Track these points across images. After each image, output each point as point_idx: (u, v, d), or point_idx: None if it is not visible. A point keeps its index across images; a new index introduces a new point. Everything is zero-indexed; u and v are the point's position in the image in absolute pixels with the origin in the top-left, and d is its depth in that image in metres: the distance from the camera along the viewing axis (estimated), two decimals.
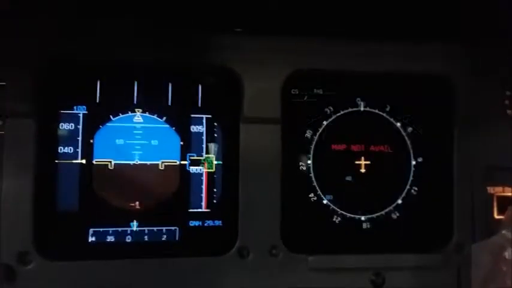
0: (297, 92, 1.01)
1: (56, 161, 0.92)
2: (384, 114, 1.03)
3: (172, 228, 0.96)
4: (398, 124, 1.04)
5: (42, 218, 0.89)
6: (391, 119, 1.03)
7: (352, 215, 1.02)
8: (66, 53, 0.91)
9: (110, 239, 0.94)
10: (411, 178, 1.04)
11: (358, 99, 1.03)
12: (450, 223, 1.01)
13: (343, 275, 0.96)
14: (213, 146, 0.97)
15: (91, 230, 0.93)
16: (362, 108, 1.03)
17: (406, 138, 1.04)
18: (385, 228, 1.02)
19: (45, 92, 0.90)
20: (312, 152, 1.01)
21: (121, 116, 0.95)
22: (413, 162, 1.04)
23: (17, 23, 0.88)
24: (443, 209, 1.02)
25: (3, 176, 0.86)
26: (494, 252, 0.79)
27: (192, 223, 0.97)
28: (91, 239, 0.93)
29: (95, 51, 0.92)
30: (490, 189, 1.02)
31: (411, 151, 1.04)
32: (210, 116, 0.98)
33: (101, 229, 0.93)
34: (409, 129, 1.04)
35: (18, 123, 0.87)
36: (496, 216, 1.02)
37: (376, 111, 1.03)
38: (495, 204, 1.02)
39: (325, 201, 1.01)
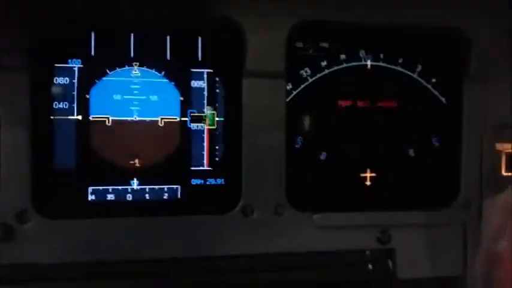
0: (302, 45, 0.97)
1: (52, 117, 0.88)
2: (397, 67, 0.99)
3: (174, 186, 0.93)
4: (415, 75, 1.00)
5: (40, 176, 0.86)
6: (406, 71, 0.99)
7: (358, 172, 0.99)
8: (59, 4, 0.86)
9: (110, 197, 0.91)
10: (419, 134, 1.01)
11: (366, 53, 0.99)
12: (457, 180, 0.98)
13: (349, 233, 0.95)
14: None
15: (90, 189, 0.90)
16: (370, 62, 0.99)
17: (420, 90, 1.00)
18: (391, 185, 1.00)
19: (37, 45, 0.85)
20: (317, 108, 0.98)
21: (118, 70, 0.91)
22: (422, 117, 1.01)
23: None
24: (451, 165, 1.00)
25: None
26: (506, 207, 0.77)
27: (194, 181, 0.94)
28: (91, 197, 0.90)
29: (88, 1, 0.87)
30: (499, 146, 1.00)
31: (420, 105, 1.00)
32: (211, 70, 0.94)
33: (101, 187, 0.91)
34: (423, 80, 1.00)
35: (10, 78, 0.82)
36: (504, 173, 1.00)
37: (386, 64, 0.99)
38: (503, 161, 1.00)
39: (330, 158, 0.98)
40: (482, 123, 0.99)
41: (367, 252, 0.97)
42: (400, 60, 0.99)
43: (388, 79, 0.99)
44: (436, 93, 1.01)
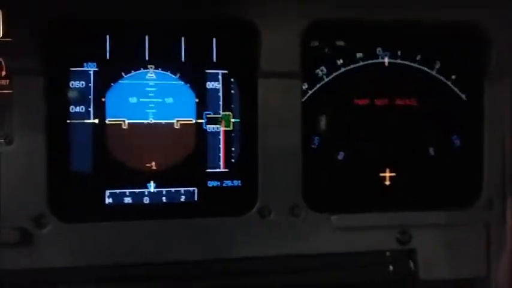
0: (317, 44, 0.96)
1: (68, 121, 0.88)
2: (415, 64, 0.97)
3: (191, 189, 0.93)
4: (433, 72, 0.98)
5: (57, 180, 0.86)
6: (425, 68, 0.97)
7: (377, 172, 0.98)
8: (74, 8, 0.86)
9: (127, 200, 0.91)
10: (439, 132, 0.99)
11: (383, 50, 0.97)
12: (479, 179, 0.96)
13: (368, 234, 0.93)
14: None
15: (107, 192, 0.90)
16: (387, 60, 0.97)
17: (439, 87, 0.98)
18: (411, 185, 0.98)
19: (53, 49, 0.86)
20: (334, 107, 0.96)
21: (133, 73, 0.90)
22: (442, 115, 0.98)
23: None
24: (472, 164, 0.97)
25: (14, 137, 0.83)
26: None
27: (211, 183, 0.94)
28: (108, 200, 0.90)
29: (103, 5, 0.87)
30: None
31: (440, 103, 0.98)
32: (226, 71, 0.93)
33: (118, 191, 0.91)
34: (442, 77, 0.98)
35: (26, 81, 0.83)
36: None
37: (404, 61, 0.97)
38: None
39: (348, 158, 0.97)
40: (504, 121, 0.96)
41: (388, 253, 0.95)
42: (418, 57, 0.97)
43: (406, 76, 0.98)
44: (456, 90, 0.99)
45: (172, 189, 0.92)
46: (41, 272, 0.84)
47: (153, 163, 0.92)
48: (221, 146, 0.94)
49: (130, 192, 0.91)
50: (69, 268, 0.85)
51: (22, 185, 0.83)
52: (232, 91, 0.94)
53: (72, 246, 0.85)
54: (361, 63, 0.96)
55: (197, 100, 0.93)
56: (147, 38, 0.91)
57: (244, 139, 0.94)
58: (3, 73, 0.84)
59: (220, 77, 0.93)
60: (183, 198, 0.93)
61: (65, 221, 0.85)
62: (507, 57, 0.95)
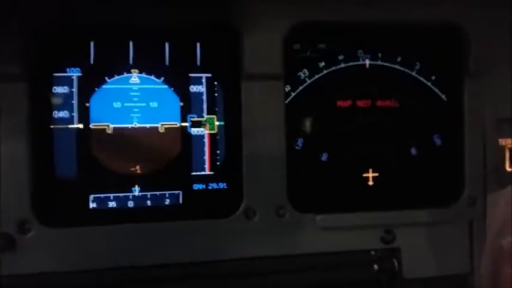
0: (299, 47, 0.97)
1: (52, 126, 0.88)
2: (396, 66, 0.99)
3: (176, 192, 0.93)
4: (414, 73, 0.99)
5: (40, 185, 0.86)
6: (405, 69, 0.99)
7: (360, 173, 0.99)
8: (58, 13, 0.87)
9: (112, 204, 0.91)
10: (420, 132, 1.00)
11: (364, 52, 0.98)
12: (461, 177, 0.98)
13: (353, 233, 0.94)
14: None
15: (91, 197, 0.90)
16: (368, 62, 0.99)
17: (420, 88, 1.00)
18: (394, 184, 0.99)
19: (36, 54, 0.86)
20: (316, 109, 0.97)
21: (117, 77, 0.91)
22: (423, 115, 1.00)
23: None
24: (454, 162, 0.99)
25: None
26: (510, 203, 0.76)
27: (196, 186, 0.94)
28: (92, 205, 0.90)
29: (86, 10, 0.87)
30: (502, 141, 0.99)
31: (421, 103, 1.00)
32: (209, 75, 0.94)
33: (102, 195, 0.91)
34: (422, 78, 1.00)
35: (9, 87, 0.83)
36: (508, 169, 0.99)
37: (385, 63, 0.98)
38: (507, 156, 0.99)
39: (331, 159, 0.98)
40: (484, 119, 0.98)
41: (372, 253, 0.96)
42: (399, 59, 0.99)
43: (388, 78, 0.99)
44: (437, 90, 1.01)
45: (157, 193, 0.93)
46: (25, 278, 0.84)
47: (138, 167, 0.92)
48: (206, 149, 0.94)
49: (114, 196, 0.91)
50: (54, 273, 0.85)
51: (5, 190, 0.83)
52: (216, 94, 0.95)
53: (56, 251, 0.85)
54: (343, 65, 0.97)
55: (181, 104, 0.93)
56: (131, 43, 0.92)
57: (229, 142, 0.94)
58: None
59: (204, 80, 0.94)
60: (167, 202, 0.93)
61: (49, 226, 0.85)
62: (486, 56, 0.97)
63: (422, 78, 1.00)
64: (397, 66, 0.99)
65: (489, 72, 0.98)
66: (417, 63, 0.99)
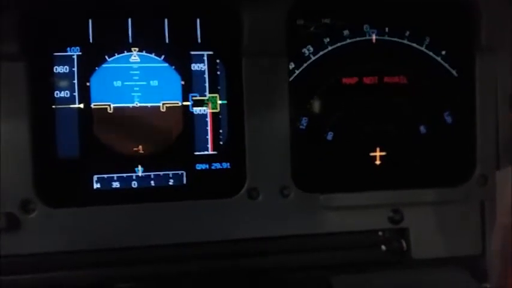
0: (303, 23, 0.94)
1: (53, 106, 0.88)
2: (404, 41, 0.95)
3: (179, 172, 0.92)
4: (423, 48, 0.96)
5: (43, 165, 0.86)
6: (414, 44, 0.95)
7: (367, 152, 0.96)
8: None
9: (116, 185, 0.90)
10: (430, 109, 0.97)
11: (370, 27, 0.95)
12: (473, 155, 0.94)
13: (359, 213, 0.92)
14: None
15: (95, 177, 0.90)
16: (375, 37, 0.95)
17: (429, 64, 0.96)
18: (402, 164, 0.97)
19: (35, 34, 0.86)
20: (321, 86, 0.95)
21: (117, 56, 0.90)
22: (432, 91, 0.97)
23: None
24: (465, 140, 0.96)
25: None
26: None
27: (199, 166, 0.93)
28: (96, 185, 0.90)
29: None
30: None
31: (430, 79, 0.96)
32: (211, 52, 0.92)
33: (106, 175, 0.90)
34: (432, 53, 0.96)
35: (8, 67, 0.82)
36: None
37: (392, 38, 0.95)
38: None
39: (337, 139, 0.95)
40: (496, 95, 0.94)
41: (380, 233, 0.94)
42: (407, 33, 0.95)
43: (395, 53, 0.96)
44: (447, 65, 0.97)
45: (161, 173, 0.92)
46: (28, 257, 0.84)
47: (140, 147, 0.91)
48: (209, 128, 0.93)
49: (118, 176, 0.91)
50: (57, 253, 0.85)
51: (8, 171, 0.83)
52: (218, 72, 0.93)
53: (60, 231, 0.85)
54: (348, 40, 0.94)
55: (183, 82, 0.92)
56: (130, 20, 0.90)
57: (232, 121, 0.93)
58: None
59: (205, 58, 0.92)
60: (171, 182, 0.92)
61: (52, 206, 0.85)
62: (497, 30, 0.93)
63: (431, 53, 0.96)
64: (405, 41, 0.96)
65: (501, 46, 0.94)
66: (426, 37, 0.96)
